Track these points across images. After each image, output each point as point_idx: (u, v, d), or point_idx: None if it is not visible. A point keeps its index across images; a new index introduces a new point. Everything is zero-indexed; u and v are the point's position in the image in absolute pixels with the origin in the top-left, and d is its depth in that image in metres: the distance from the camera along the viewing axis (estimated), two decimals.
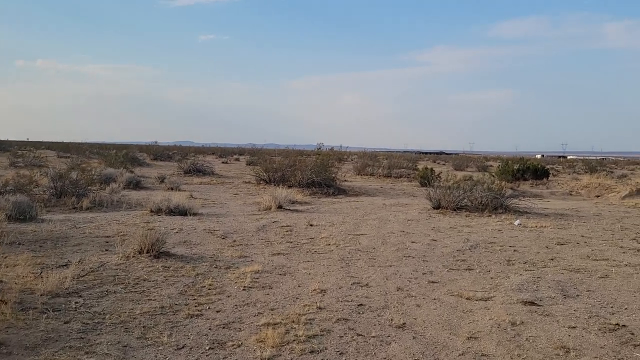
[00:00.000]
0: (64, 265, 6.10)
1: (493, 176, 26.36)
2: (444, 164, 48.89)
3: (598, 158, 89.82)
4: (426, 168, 24.67)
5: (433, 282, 6.26)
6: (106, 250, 7.41)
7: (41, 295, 4.82)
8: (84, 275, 5.70)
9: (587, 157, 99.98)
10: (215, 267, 6.56)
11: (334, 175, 19.72)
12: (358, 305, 5.16)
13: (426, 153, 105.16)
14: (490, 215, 12.54)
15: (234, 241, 8.50)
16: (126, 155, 32.89)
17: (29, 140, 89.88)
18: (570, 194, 22.78)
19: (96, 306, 4.72)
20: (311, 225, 10.37)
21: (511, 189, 21.41)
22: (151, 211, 11.37)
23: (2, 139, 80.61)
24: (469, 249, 8.44)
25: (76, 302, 4.76)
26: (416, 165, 34.45)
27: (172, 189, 17.70)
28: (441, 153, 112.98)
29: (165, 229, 9.23)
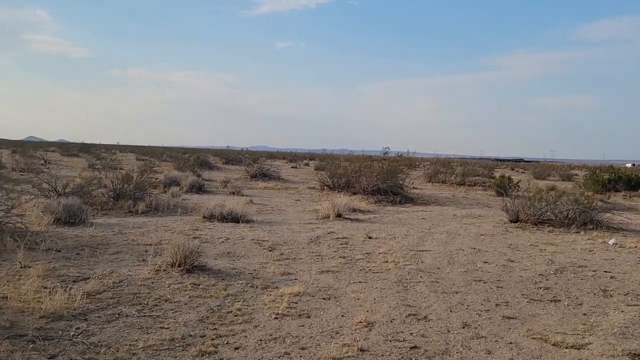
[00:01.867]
0: (85, 279, 5.53)
1: (580, 186, 24.08)
2: (523, 172, 45.94)
3: None
4: (503, 176, 22.86)
5: (509, 317, 5.11)
6: (142, 260, 6.83)
7: (40, 317, 4.22)
8: (101, 292, 5.08)
9: None
10: (251, 287, 5.76)
11: (401, 182, 18.57)
12: (411, 347, 4.15)
13: (503, 160, 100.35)
14: (578, 232, 10.96)
15: (281, 254, 7.69)
16: (197, 159, 33.38)
17: (119, 144, 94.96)
18: None
19: (97, 334, 4.04)
20: (370, 237, 9.38)
21: (601, 200, 19.27)
22: (204, 217, 10.85)
23: (96, 142, 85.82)
24: (554, 273, 7.11)
25: (77, 329, 4.10)
26: (492, 173, 32.39)
27: (233, 193, 17.31)
28: (520, 160, 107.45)
29: (210, 238, 8.62)
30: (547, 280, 6.73)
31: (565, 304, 5.69)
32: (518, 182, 21.79)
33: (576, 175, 40.11)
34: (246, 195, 17.10)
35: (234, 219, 10.71)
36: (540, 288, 6.30)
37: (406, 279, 6.52)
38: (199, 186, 17.72)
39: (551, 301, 5.77)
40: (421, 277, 6.64)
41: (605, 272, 7.31)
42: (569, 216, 11.98)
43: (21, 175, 19.99)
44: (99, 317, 4.43)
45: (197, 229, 9.48)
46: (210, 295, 5.27)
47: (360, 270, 6.91)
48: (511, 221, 11.96)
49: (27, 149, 39.42)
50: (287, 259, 7.44)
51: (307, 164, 46.03)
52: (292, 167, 41.20)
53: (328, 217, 11.76)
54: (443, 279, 6.60)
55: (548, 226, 11.50)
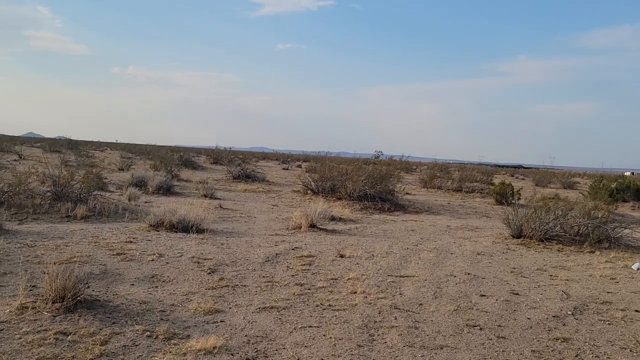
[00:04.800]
0: None
1: (586, 196, 22.45)
2: (523, 179, 44.26)
3: None
4: (503, 183, 21.18)
5: None
6: (33, 286, 5.11)
7: None
8: None
9: None
10: (149, 336, 4.05)
11: (392, 187, 16.85)
12: None
13: (503, 166, 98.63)
14: (592, 252, 9.27)
15: (221, 279, 5.98)
16: (180, 158, 31.63)
17: (117, 141, 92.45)
18: None
19: None
20: (341, 256, 7.67)
21: (608, 212, 17.61)
22: (150, 225, 9.15)
23: (94, 140, 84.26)
24: (573, 314, 5.42)
25: None
26: (491, 179, 30.71)
27: (205, 196, 15.60)
28: (519, 167, 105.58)
29: (139, 255, 6.89)
30: (564, 325, 5.04)
31: None
32: (519, 190, 20.14)
33: (577, 183, 38.44)
34: (218, 199, 15.42)
35: (184, 228, 9.01)
36: (557, 339, 4.61)
37: (375, 321, 4.82)
38: (167, 187, 15.99)
39: None
40: (396, 318, 4.94)
41: (637, 311, 5.63)
42: (580, 232, 10.30)
43: None
44: None
45: (131, 241, 7.76)
46: (73, 356, 3.56)
47: (317, 306, 5.21)
48: (513, 236, 10.27)
49: (2, 143, 37.59)
50: (227, 286, 5.73)
51: (299, 166, 44.31)
52: (284, 169, 39.51)
53: (300, 228, 10.06)
54: (425, 322, 4.90)
55: (556, 243, 9.81)
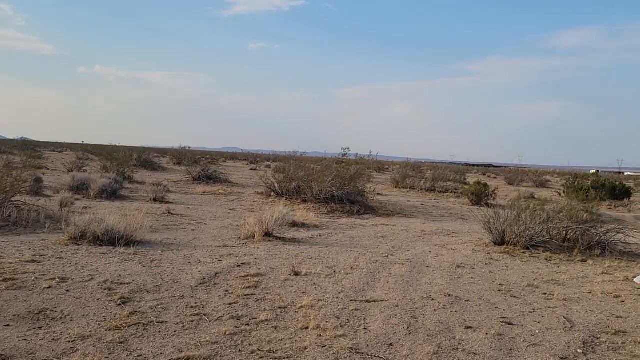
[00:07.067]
0: None
1: (561, 194, 21.72)
2: (495, 178, 43.78)
3: None
4: (479, 182, 20.20)
5: None
6: None
7: None
8: None
9: None
10: None
11: (361, 187, 15.59)
12: None
13: (474, 165, 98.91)
14: (584, 260, 8.18)
15: (132, 314, 4.58)
16: (139, 158, 29.79)
17: (84, 142, 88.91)
18: None
19: None
20: (296, 273, 6.33)
21: (594, 213, 16.75)
22: (69, 238, 7.65)
23: (59, 141, 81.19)
24: (583, 352, 4.22)
25: None
26: (465, 178, 29.86)
27: (155, 199, 14.09)
28: (490, 165, 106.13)
29: (36, 280, 5.42)
30: None
31: None
32: (495, 190, 19.17)
33: (549, 181, 38.01)
34: (170, 203, 13.91)
35: (111, 240, 7.54)
36: None
37: None
38: (113, 191, 14.37)
39: None
40: None
41: None
42: (568, 237, 9.22)
43: None
44: None
45: (35, 260, 6.26)
46: None
47: (253, 352, 3.87)
48: (495, 243, 9.12)
49: None
50: (137, 324, 4.33)
51: (268, 166, 42.80)
52: (251, 169, 37.96)
53: (253, 237, 8.70)
54: None
55: (543, 250, 8.71)
